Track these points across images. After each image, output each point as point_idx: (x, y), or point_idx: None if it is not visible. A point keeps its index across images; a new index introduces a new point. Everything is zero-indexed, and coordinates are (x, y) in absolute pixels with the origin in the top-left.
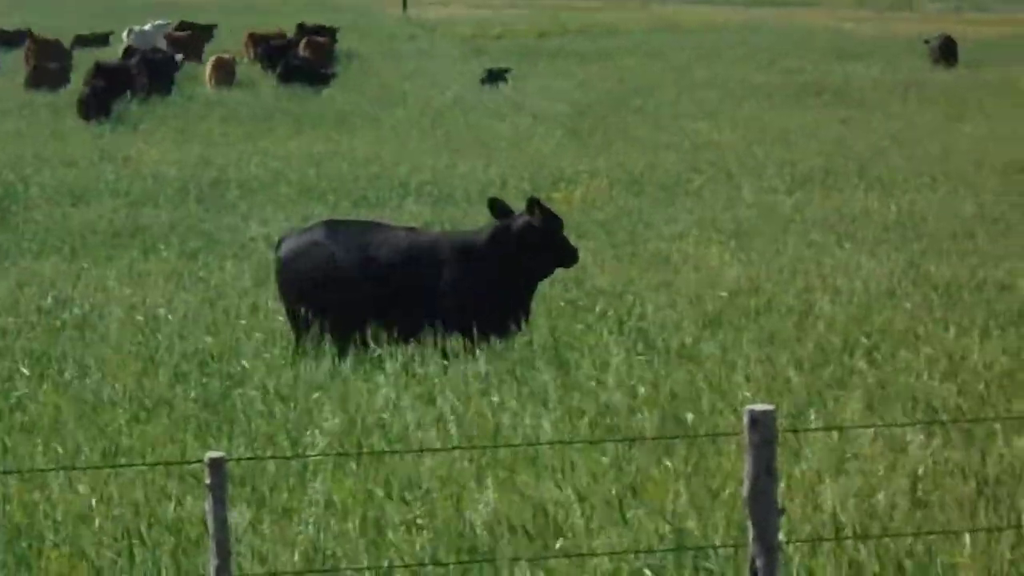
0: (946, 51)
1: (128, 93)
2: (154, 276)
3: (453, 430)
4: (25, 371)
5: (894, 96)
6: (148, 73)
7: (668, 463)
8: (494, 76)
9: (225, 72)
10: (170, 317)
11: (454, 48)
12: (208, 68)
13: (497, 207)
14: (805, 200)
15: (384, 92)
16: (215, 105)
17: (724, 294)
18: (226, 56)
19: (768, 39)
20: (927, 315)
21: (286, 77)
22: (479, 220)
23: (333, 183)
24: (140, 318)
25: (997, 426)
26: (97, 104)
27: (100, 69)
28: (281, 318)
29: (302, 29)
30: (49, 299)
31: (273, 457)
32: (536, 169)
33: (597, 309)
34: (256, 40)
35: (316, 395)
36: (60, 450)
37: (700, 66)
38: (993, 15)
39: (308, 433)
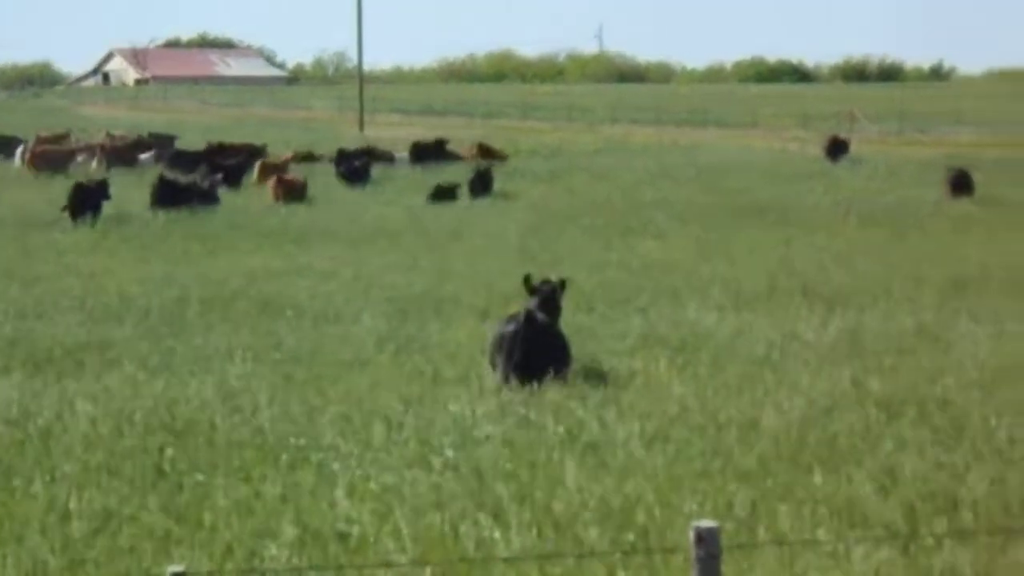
0: (961, 184)
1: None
2: (117, 389)
3: (408, 544)
4: None
5: (836, 216)
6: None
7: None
8: (443, 192)
9: (289, 188)
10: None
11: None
12: (272, 185)
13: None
14: (749, 317)
15: (340, 208)
16: (175, 223)
17: (671, 409)
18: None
19: (712, 160)
20: (866, 431)
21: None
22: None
23: (291, 299)
24: (103, 430)
25: (930, 541)
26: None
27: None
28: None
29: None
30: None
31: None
32: (489, 286)
33: (549, 424)
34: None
35: (276, 507)
36: (25, 561)
37: (647, 186)
38: (931, 136)
39: (265, 544)
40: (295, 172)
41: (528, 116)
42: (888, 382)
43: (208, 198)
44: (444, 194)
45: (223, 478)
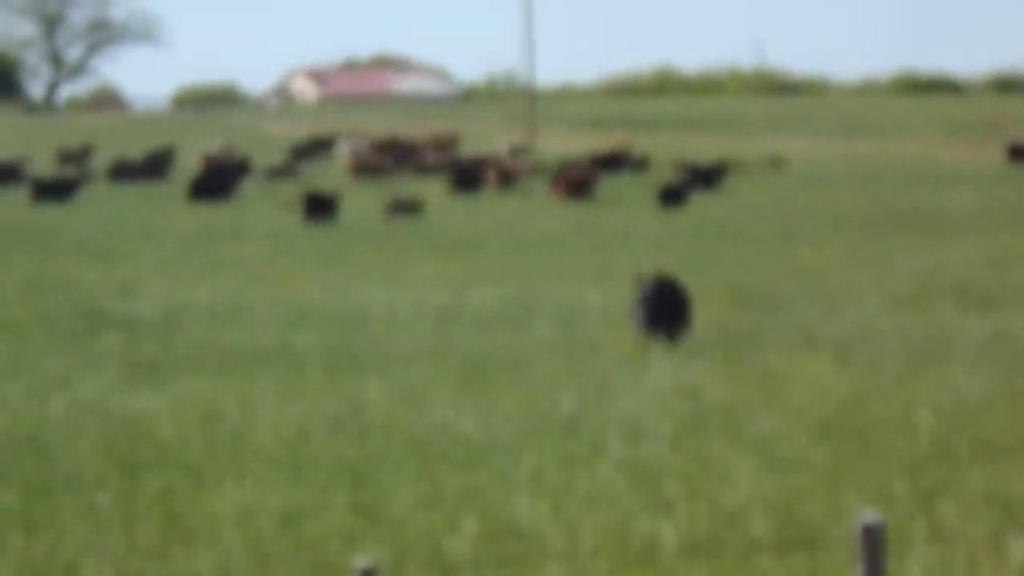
0: None
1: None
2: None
3: (585, 540)
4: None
5: (985, 221)
6: None
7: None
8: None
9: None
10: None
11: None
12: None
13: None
14: (904, 319)
15: (477, 218)
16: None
17: (831, 406)
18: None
19: (865, 168)
20: (1018, 427)
21: None
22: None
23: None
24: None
25: None
26: None
27: None
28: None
29: None
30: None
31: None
32: None
33: (714, 423)
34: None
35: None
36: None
37: (802, 194)
38: None
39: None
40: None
41: (690, 128)
42: None
43: None
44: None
45: (405, 475)
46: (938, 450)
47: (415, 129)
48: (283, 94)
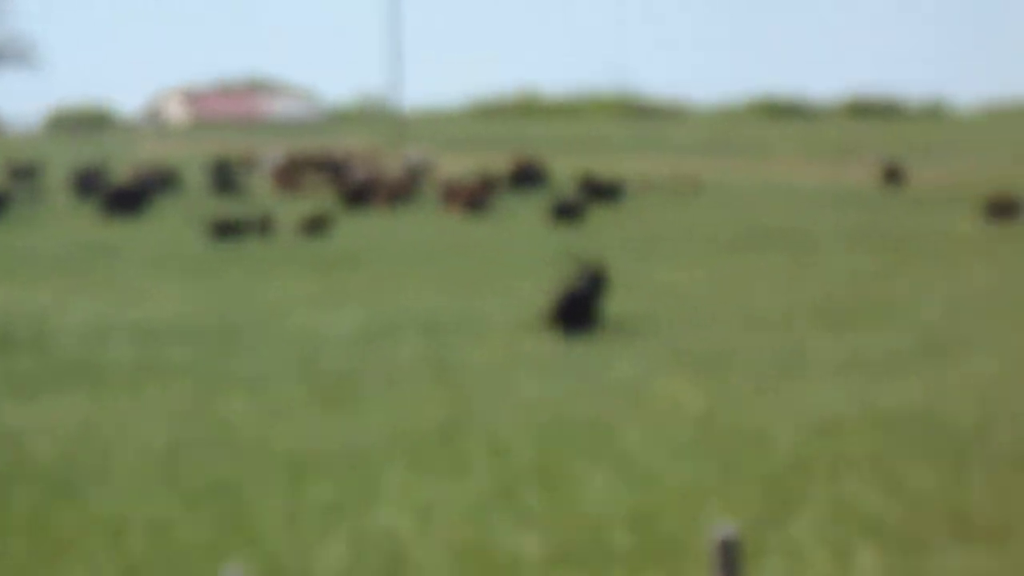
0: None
1: None
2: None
3: (454, 551)
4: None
5: (845, 241)
6: None
7: None
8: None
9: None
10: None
11: None
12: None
13: None
14: (763, 338)
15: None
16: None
17: (691, 422)
18: None
19: (727, 189)
20: (871, 443)
21: None
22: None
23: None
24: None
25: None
26: None
27: None
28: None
29: None
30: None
31: None
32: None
33: (577, 437)
34: None
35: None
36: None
37: (664, 214)
38: (932, 166)
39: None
40: None
41: (555, 149)
42: (891, 398)
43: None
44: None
45: (273, 490)
46: (794, 465)
47: (276, 152)
48: (156, 116)
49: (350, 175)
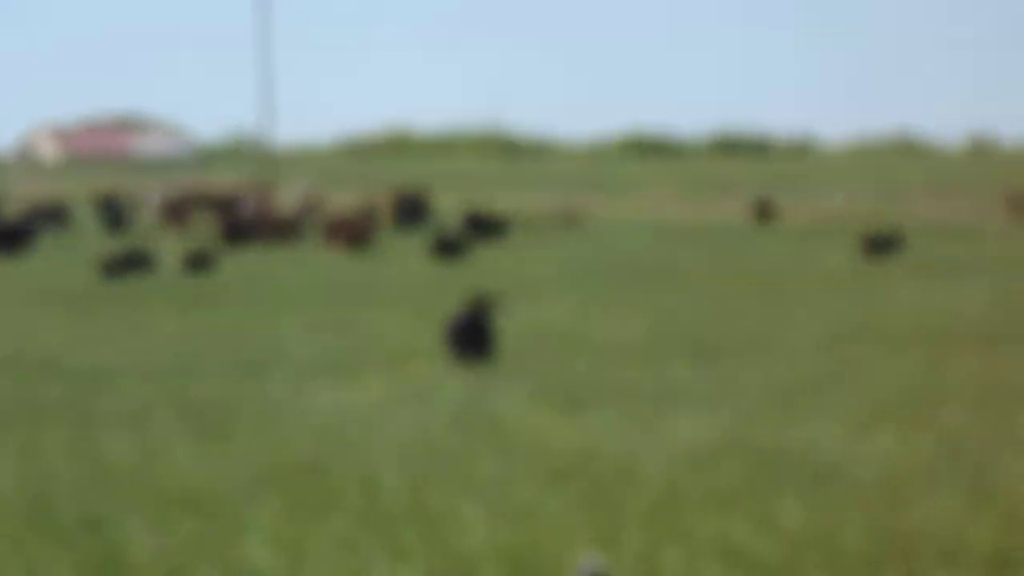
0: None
1: None
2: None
3: None
4: None
5: (717, 274)
6: None
7: None
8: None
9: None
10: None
11: None
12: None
13: None
14: (632, 371)
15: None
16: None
17: (560, 456)
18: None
19: (600, 225)
20: (741, 479)
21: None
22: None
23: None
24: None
25: None
26: None
27: None
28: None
29: None
30: None
31: None
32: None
33: (447, 471)
34: None
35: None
36: None
37: (532, 249)
38: (801, 202)
39: None
40: None
41: (432, 186)
42: (765, 432)
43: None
44: None
45: (142, 526)
46: (666, 499)
47: (160, 188)
48: (28, 153)
49: (238, 211)
